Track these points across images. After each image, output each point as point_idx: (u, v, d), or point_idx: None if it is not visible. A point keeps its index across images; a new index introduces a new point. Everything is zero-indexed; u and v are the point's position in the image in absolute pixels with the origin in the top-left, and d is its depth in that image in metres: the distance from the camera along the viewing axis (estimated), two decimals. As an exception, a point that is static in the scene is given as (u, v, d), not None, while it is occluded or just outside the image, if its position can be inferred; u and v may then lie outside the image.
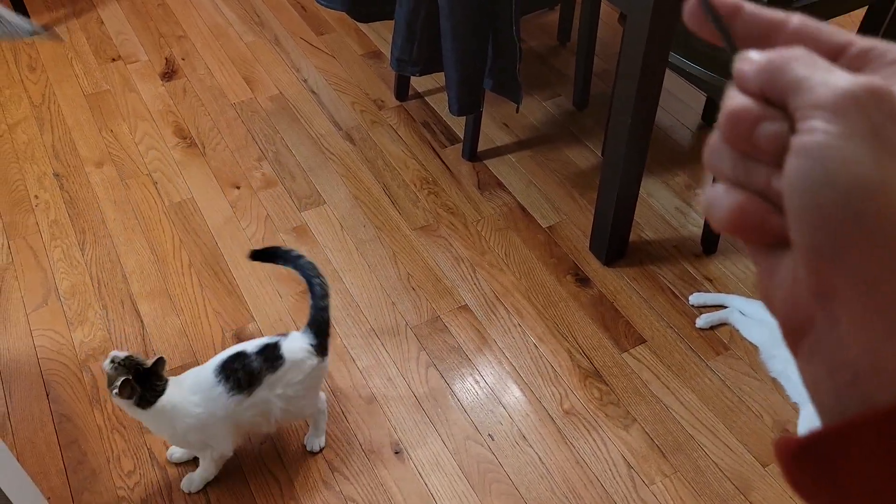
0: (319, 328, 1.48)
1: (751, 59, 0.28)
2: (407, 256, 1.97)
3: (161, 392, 1.37)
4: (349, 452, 1.57)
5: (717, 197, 0.29)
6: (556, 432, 1.60)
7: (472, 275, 1.92)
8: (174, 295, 1.87)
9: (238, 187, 2.16)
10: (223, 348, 1.74)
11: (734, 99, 0.29)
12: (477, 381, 1.70)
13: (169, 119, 2.37)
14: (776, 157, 0.27)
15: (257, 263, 1.94)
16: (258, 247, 1.99)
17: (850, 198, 0.25)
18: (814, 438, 0.26)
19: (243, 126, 2.35)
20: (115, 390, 1.33)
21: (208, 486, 1.51)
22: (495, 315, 1.83)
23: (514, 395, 1.67)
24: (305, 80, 2.53)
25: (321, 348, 1.47)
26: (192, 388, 1.40)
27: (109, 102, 2.43)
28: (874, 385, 0.25)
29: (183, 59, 2.60)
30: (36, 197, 2.11)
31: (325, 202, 2.11)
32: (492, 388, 1.69)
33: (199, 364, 1.71)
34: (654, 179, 2.18)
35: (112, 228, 2.03)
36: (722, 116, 0.29)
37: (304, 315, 1.82)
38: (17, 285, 1.89)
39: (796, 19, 0.30)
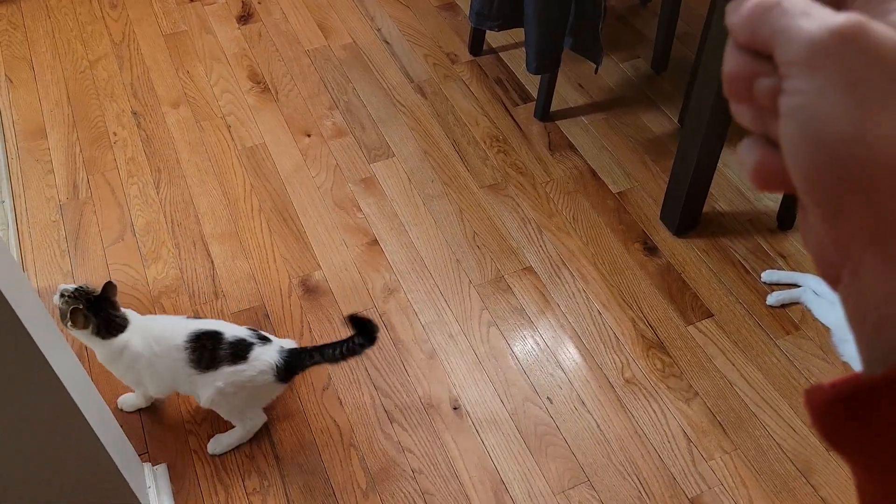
0: (297, 363, 1.46)
1: (737, 11, 0.28)
2: (473, 214, 1.96)
3: (122, 326, 1.40)
4: (408, 404, 1.59)
5: (743, 152, 0.29)
6: (615, 400, 1.60)
7: (539, 237, 1.91)
8: (244, 238, 1.90)
9: (309, 135, 2.17)
10: (290, 294, 1.78)
11: (728, 57, 0.28)
12: (538, 344, 1.70)
13: (244, 63, 2.38)
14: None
15: (325, 211, 1.96)
16: (327, 197, 2.00)
17: (835, 156, 0.25)
18: (845, 390, 0.26)
19: (316, 73, 2.35)
20: (69, 322, 1.36)
21: (270, 427, 1.55)
22: (560, 279, 1.82)
23: (574, 360, 1.67)
24: (379, 30, 2.50)
25: (285, 375, 1.45)
26: (157, 339, 1.43)
27: (186, 43, 2.45)
28: None
29: (259, 3, 2.61)
30: (114, 134, 2.16)
31: (394, 155, 2.11)
32: (553, 351, 1.68)
33: (265, 308, 1.74)
34: (731, 149, 2.11)
35: (186, 169, 2.07)
36: (723, 77, 0.29)
37: (369, 266, 1.84)
38: (94, 219, 1.94)
39: None
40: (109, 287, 1.41)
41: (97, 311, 1.39)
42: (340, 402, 1.59)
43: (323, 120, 2.21)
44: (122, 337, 1.41)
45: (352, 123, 2.20)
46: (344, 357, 1.46)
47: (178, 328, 1.44)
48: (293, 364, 1.46)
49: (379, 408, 1.59)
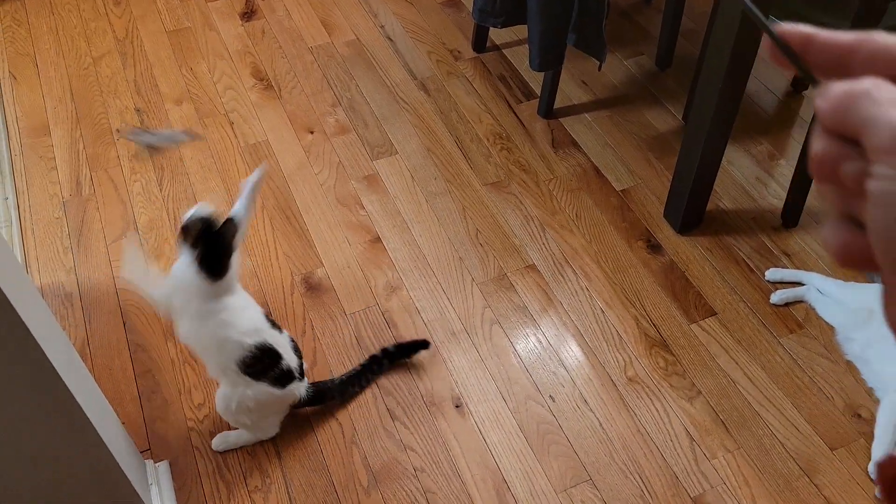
0: (317, 400, 1.54)
1: (825, 97, 0.29)
2: (476, 212, 1.96)
3: (223, 272, 1.34)
4: (410, 403, 1.59)
5: (828, 233, 0.30)
6: (618, 399, 1.59)
7: (542, 234, 1.90)
8: (246, 236, 1.90)
9: (312, 132, 2.16)
10: (292, 292, 1.77)
11: (816, 140, 0.30)
12: (540, 342, 1.69)
13: (247, 60, 2.38)
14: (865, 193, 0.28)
15: (327, 208, 1.96)
16: (329, 194, 2.00)
17: None
18: None
19: (319, 70, 2.35)
20: (182, 239, 1.32)
21: (273, 423, 1.55)
22: (563, 277, 1.81)
23: (577, 358, 1.66)
24: (382, 27, 2.50)
25: (300, 405, 1.52)
26: (225, 323, 1.38)
27: (190, 40, 2.45)
28: None
29: (262, 0, 2.60)
30: (117, 131, 2.16)
31: (397, 152, 2.11)
32: (555, 349, 1.68)
33: (268, 306, 1.74)
34: (735, 146, 2.10)
35: (189, 166, 2.07)
36: (809, 159, 0.30)
37: (372, 264, 1.84)
38: (98, 216, 1.95)
39: (868, 43, 0.30)
40: (229, 224, 1.34)
41: (209, 243, 1.32)
42: (342, 400, 1.59)
43: (326, 117, 2.21)
44: (223, 300, 1.36)
45: (355, 120, 2.19)
46: (363, 389, 1.61)
47: (252, 327, 1.40)
48: (314, 400, 1.53)
49: (381, 406, 1.59)
